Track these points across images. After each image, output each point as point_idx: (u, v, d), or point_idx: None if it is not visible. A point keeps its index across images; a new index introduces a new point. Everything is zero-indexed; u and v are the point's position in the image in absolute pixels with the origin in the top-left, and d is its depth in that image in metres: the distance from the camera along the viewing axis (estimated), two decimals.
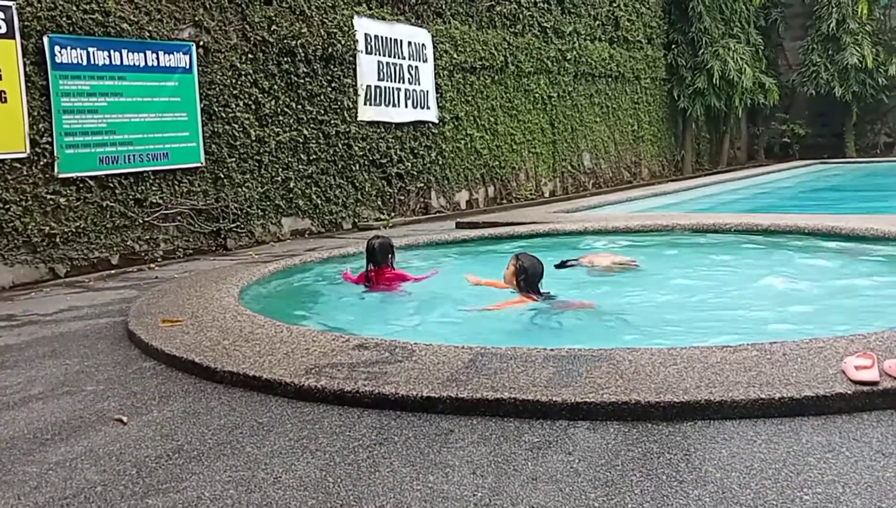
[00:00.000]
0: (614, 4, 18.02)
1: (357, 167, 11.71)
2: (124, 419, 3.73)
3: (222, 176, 9.84)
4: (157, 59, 9.07)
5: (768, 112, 23.97)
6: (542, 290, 5.91)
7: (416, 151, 12.80)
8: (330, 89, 11.23)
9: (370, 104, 11.92)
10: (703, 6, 19.99)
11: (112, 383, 4.34)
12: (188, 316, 5.40)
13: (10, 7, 7.75)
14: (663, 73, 20.14)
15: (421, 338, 4.55)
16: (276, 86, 10.45)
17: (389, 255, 6.67)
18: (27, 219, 7.96)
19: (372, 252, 6.61)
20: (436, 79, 13.14)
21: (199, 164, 9.55)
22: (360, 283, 6.74)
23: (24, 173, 7.96)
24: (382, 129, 12.18)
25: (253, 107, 10.18)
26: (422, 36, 12.89)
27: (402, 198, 12.66)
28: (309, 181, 11.01)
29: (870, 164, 21.10)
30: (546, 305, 5.88)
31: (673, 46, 20.35)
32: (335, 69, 11.33)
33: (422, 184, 12.99)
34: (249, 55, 10.12)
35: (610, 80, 17.97)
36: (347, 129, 11.50)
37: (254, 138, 10.16)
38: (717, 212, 11.19)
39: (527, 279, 5.83)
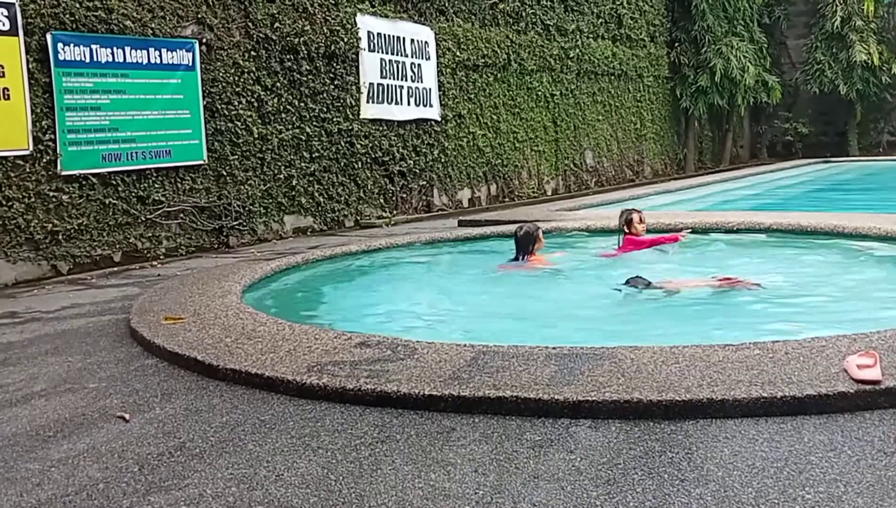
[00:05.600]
0: (617, 2, 17.98)
1: (359, 165, 11.71)
2: (126, 416, 3.73)
3: (225, 173, 9.84)
4: (160, 56, 9.07)
5: (771, 110, 23.93)
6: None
7: (418, 149, 12.80)
8: (333, 87, 11.23)
9: (373, 102, 11.91)
10: (706, 4, 19.94)
11: (114, 380, 4.35)
12: (190, 313, 5.40)
13: (14, 4, 7.75)
14: (666, 71, 20.11)
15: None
16: (278, 84, 10.44)
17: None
18: (30, 217, 7.97)
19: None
20: (438, 76, 13.13)
21: (201, 162, 9.55)
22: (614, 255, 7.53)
23: (27, 170, 7.96)
24: (385, 127, 12.17)
25: (255, 104, 10.18)
26: (425, 33, 12.88)
27: (405, 195, 12.66)
28: (311, 179, 11.00)
29: (873, 163, 21.04)
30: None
31: (676, 44, 20.32)
32: (338, 67, 11.32)
33: (424, 182, 12.98)
34: (252, 52, 10.12)
35: (613, 78, 17.94)
36: (350, 127, 11.50)
37: (256, 136, 10.16)
38: (720, 211, 11.18)
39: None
